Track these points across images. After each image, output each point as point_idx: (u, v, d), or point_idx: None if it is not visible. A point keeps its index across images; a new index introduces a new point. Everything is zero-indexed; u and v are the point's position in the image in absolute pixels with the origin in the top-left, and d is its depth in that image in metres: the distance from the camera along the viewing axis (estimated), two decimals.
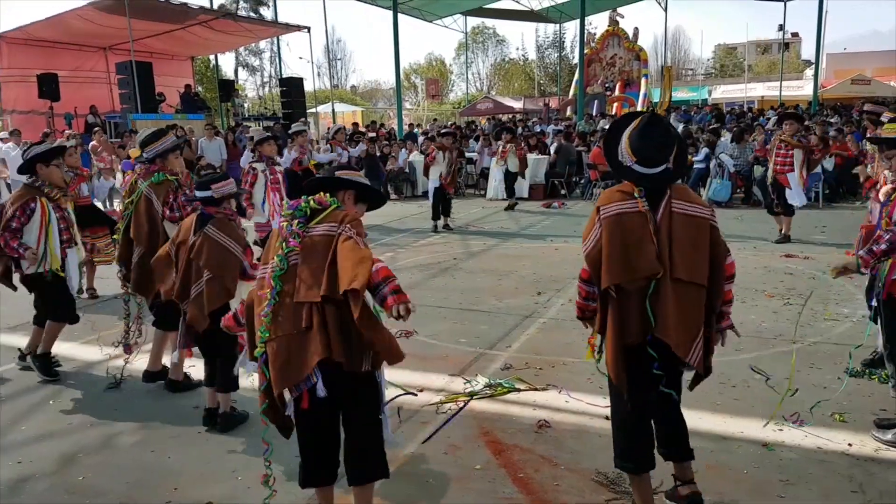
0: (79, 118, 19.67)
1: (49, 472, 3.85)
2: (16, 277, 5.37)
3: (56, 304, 5.32)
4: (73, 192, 6.96)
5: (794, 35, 56.09)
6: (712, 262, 2.93)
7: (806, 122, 16.39)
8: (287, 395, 2.86)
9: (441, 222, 11.72)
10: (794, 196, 9.25)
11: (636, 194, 2.95)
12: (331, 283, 2.72)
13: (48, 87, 18.69)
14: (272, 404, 2.92)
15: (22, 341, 6.16)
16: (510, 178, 14.13)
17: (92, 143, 14.13)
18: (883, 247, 3.79)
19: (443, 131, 13.08)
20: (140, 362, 5.19)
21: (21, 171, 5.40)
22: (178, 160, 5.08)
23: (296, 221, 2.88)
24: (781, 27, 35.39)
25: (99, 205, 8.50)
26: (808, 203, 12.85)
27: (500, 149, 13.98)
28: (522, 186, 15.60)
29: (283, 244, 2.86)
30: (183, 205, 4.84)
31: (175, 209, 4.85)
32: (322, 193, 2.96)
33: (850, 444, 3.83)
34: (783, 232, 9.56)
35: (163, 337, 4.95)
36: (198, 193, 4.17)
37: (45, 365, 5.28)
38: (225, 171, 4.47)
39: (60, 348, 5.85)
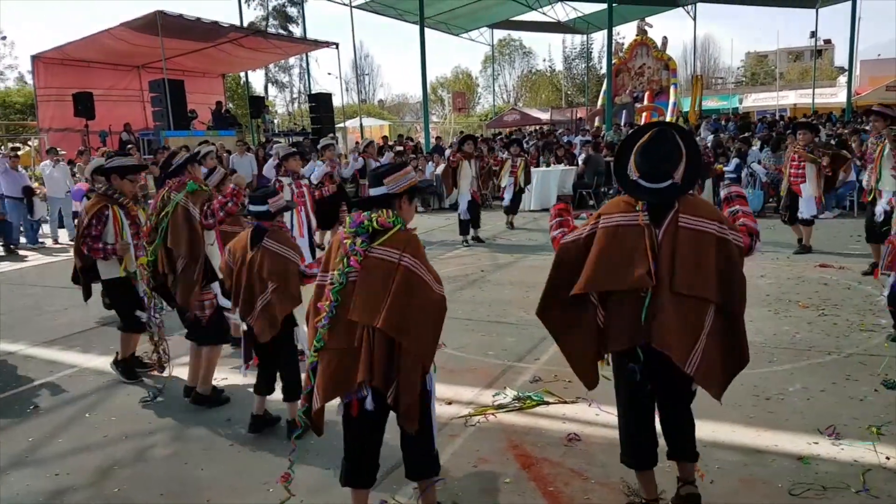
0: (113, 135, 20.04)
1: (85, 483, 3.91)
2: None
3: (125, 313, 5.51)
4: None
5: (827, 42, 55.23)
6: (723, 275, 2.91)
7: (840, 131, 16.17)
8: (337, 400, 3.01)
9: (470, 234, 11.66)
10: (805, 207, 9.07)
11: (638, 207, 3.00)
12: (392, 317, 2.83)
13: (83, 105, 19.08)
14: (310, 408, 3.03)
15: (57, 355, 6.31)
16: (515, 201, 13.10)
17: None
18: None
19: (462, 138, 12.96)
20: (175, 373, 5.28)
21: (97, 172, 5.78)
22: (198, 170, 5.18)
23: (359, 240, 2.95)
24: (813, 34, 34.84)
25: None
26: (843, 212, 12.74)
27: (511, 165, 12.70)
28: (550, 197, 15.56)
29: (345, 260, 2.94)
30: (216, 210, 4.81)
31: (209, 216, 4.82)
32: (382, 211, 2.99)
33: (887, 458, 3.74)
34: (803, 242, 9.37)
35: (198, 350, 4.99)
36: (253, 208, 4.26)
37: (126, 370, 5.53)
38: (274, 187, 4.55)
39: (96, 362, 5.99)
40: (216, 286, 4.94)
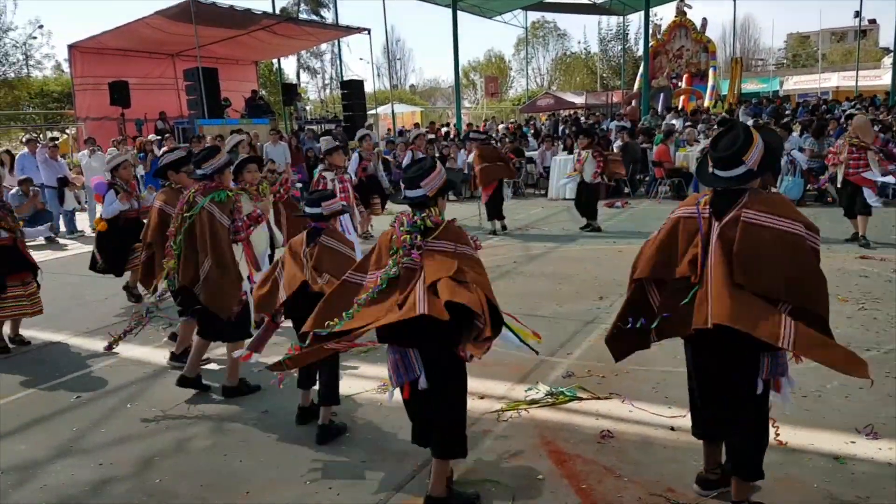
0: (148, 123, 20.35)
1: (128, 474, 4.01)
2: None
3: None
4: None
5: (872, 22, 53.83)
6: (792, 274, 2.84)
7: (884, 117, 15.75)
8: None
9: (498, 226, 11.63)
10: (871, 195, 8.85)
11: (702, 201, 3.08)
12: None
13: (119, 94, 19.38)
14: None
15: (98, 345, 6.37)
16: (588, 193, 11.37)
17: (164, 150, 14.62)
18: None
19: (472, 135, 12.69)
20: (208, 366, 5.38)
21: (156, 175, 5.97)
22: (228, 175, 5.12)
23: (416, 236, 3.24)
24: (858, 14, 33.99)
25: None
26: (886, 201, 12.43)
27: (576, 156, 11.47)
28: None
29: (401, 252, 3.22)
30: (240, 230, 4.85)
31: (232, 232, 4.85)
32: (431, 210, 3.31)
33: None
34: (861, 234, 9.15)
35: (203, 345, 5.08)
36: (308, 210, 4.33)
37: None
38: (333, 190, 4.57)
39: (137, 352, 6.11)
40: (245, 284, 4.94)
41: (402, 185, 3.43)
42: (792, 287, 2.83)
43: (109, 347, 5.15)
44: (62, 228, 13.63)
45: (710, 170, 3.07)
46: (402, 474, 3.80)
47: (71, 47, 20.93)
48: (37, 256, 11.22)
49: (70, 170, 14.99)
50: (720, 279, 2.85)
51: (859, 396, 4.49)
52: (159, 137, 16.44)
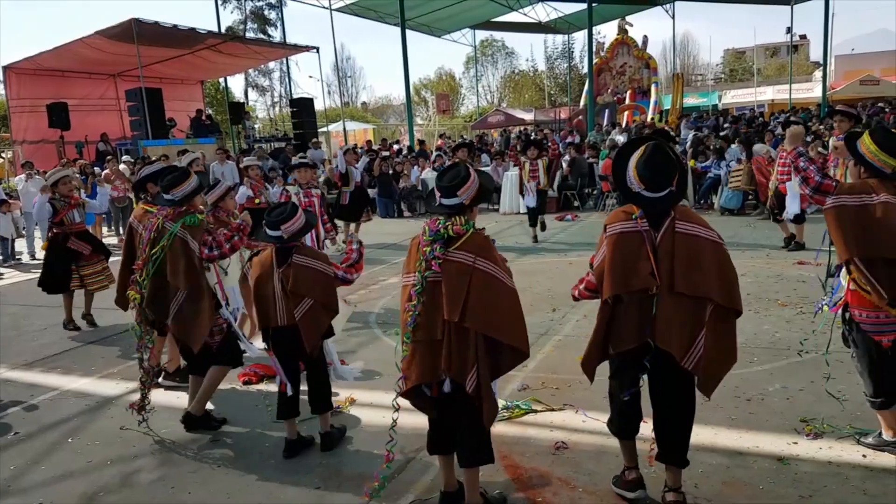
0: (89, 146, 19.86)
1: None
2: None
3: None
4: (63, 217, 7.30)
5: (803, 37, 55.70)
6: (722, 276, 3.17)
7: (815, 127, 16.29)
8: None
9: None
10: (791, 204, 9.22)
11: (635, 215, 3.27)
12: (480, 316, 3.19)
13: (58, 115, 18.89)
14: (408, 392, 3.39)
15: (38, 378, 6.19)
16: (541, 201, 11.65)
17: (105, 172, 14.29)
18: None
19: (458, 144, 12.86)
20: (160, 397, 5.24)
21: (135, 189, 5.93)
22: (199, 199, 4.93)
23: (437, 246, 3.28)
24: (789, 30, 35.19)
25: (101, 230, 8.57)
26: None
27: (531, 168, 11.42)
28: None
29: (424, 264, 3.28)
30: (221, 244, 4.62)
31: (213, 247, 4.59)
32: (455, 219, 3.32)
33: (864, 456, 3.83)
34: (797, 239, 9.47)
35: (196, 381, 4.83)
36: (270, 233, 4.18)
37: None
38: (294, 205, 4.40)
39: (78, 384, 5.92)
40: (225, 312, 4.75)
41: (438, 194, 3.44)
42: (722, 288, 3.15)
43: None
44: None
45: (639, 190, 3.27)
46: (359, 500, 3.74)
47: (6, 69, 20.36)
48: None
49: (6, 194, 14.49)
50: (664, 291, 3.13)
51: (800, 398, 4.63)
52: (132, 160, 15.92)
